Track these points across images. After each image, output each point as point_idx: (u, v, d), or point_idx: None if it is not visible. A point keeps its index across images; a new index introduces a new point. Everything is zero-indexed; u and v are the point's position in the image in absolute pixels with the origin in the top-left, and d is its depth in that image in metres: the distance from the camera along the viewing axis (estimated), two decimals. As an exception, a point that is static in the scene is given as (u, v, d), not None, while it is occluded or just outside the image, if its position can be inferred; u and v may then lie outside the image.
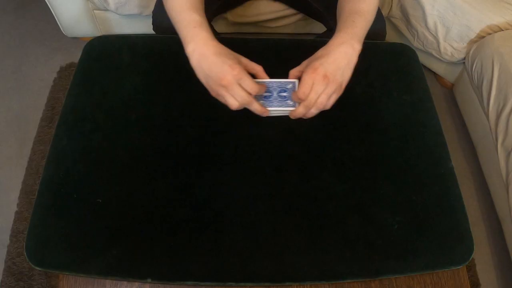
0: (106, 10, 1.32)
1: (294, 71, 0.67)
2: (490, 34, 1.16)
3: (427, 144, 0.69)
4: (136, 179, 0.63)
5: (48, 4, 1.31)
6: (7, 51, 1.49)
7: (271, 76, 0.67)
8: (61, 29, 1.43)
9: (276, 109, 0.65)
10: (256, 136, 0.69)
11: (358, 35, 0.65)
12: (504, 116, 1.03)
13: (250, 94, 0.61)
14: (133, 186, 0.63)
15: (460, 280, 0.64)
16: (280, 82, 0.67)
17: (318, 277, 0.57)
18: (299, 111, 0.63)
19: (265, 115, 0.65)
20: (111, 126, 0.68)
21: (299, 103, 0.63)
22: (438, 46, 1.26)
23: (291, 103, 0.65)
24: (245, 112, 0.69)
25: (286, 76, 0.67)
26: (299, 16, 1.35)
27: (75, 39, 1.51)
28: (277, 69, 0.77)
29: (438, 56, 1.30)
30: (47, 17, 1.53)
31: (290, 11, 1.30)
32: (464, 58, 1.25)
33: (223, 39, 0.82)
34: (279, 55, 0.79)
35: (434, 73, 1.46)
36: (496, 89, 1.08)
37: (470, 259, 0.60)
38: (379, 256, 0.59)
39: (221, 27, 1.41)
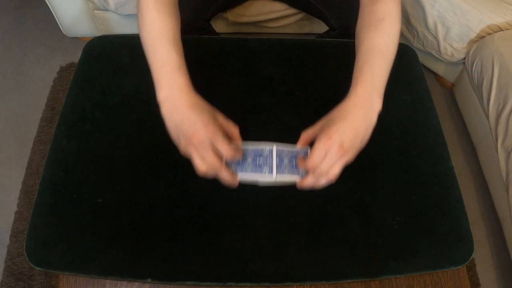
0: (106, 10, 1.32)
1: (307, 135, 0.59)
2: (490, 34, 1.16)
3: (427, 144, 0.69)
4: (136, 179, 0.63)
5: (48, 4, 1.31)
6: (7, 51, 1.49)
7: (245, 139, 0.59)
8: (61, 29, 1.43)
9: (248, 176, 0.57)
10: (256, 136, 0.69)
11: (378, 88, 0.57)
12: (504, 116, 1.03)
13: (220, 159, 0.54)
14: (133, 186, 0.63)
15: (460, 280, 0.64)
16: (256, 148, 0.59)
17: (318, 277, 0.57)
18: (308, 182, 0.55)
19: (234, 186, 0.57)
20: (111, 126, 0.68)
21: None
22: (438, 46, 1.26)
23: (266, 170, 0.57)
24: (244, 112, 0.69)
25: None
26: (300, 16, 1.35)
27: (75, 39, 1.51)
28: (277, 69, 0.77)
29: (438, 56, 1.30)
30: (47, 17, 1.53)
31: (291, 11, 1.30)
32: (464, 58, 1.25)
33: (223, 39, 0.82)
34: (279, 55, 0.79)
35: (434, 73, 1.46)
36: (496, 89, 1.08)
37: (470, 259, 0.60)
38: (379, 256, 0.59)
39: (221, 27, 1.41)
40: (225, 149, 0.53)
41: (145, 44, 0.60)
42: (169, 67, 0.56)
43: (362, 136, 0.54)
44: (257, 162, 0.58)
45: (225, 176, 0.55)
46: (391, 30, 0.61)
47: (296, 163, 0.58)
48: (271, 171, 0.57)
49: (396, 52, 0.82)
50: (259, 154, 0.59)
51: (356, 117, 0.54)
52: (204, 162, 0.53)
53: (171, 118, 0.55)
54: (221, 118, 0.58)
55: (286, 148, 0.60)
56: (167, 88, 0.56)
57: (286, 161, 0.59)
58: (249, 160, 0.58)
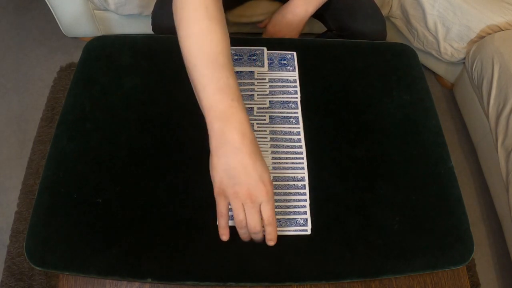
0: (106, 10, 1.32)
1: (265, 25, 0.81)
2: (490, 34, 1.16)
3: (427, 144, 0.69)
4: (136, 179, 0.63)
5: (48, 4, 1.31)
6: (7, 51, 1.50)
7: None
8: (61, 29, 1.43)
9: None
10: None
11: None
12: (504, 116, 1.03)
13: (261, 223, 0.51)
14: (133, 186, 0.63)
15: (460, 280, 0.64)
16: (249, 48, 0.75)
17: (318, 277, 0.57)
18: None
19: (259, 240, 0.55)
20: (111, 126, 0.68)
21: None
22: (438, 46, 1.26)
23: (259, 65, 0.72)
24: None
25: None
26: (299, 16, 1.35)
27: (75, 39, 1.51)
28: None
29: (438, 56, 1.30)
30: (47, 17, 1.54)
31: (290, 11, 1.30)
32: (464, 58, 1.25)
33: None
34: (279, 55, 0.78)
35: (434, 73, 1.46)
36: (496, 89, 1.08)
37: (470, 259, 0.60)
38: (379, 256, 0.59)
39: (221, 27, 1.40)
40: (270, 214, 0.50)
41: (192, 60, 0.50)
42: (227, 95, 0.48)
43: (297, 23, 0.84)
44: (251, 58, 0.73)
45: (258, 238, 0.54)
46: None
47: (284, 63, 0.74)
48: (262, 65, 0.72)
49: (397, 51, 0.82)
50: (252, 54, 0.74)
51: (292, 5, 0.83)
52: (244, 218, 0.51)
53: (224, 158, 0.48)
54: None
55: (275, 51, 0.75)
56: (225, 120, 0.48)
57: (276, 61, 0.74)
58: (245, 57, 0.73)
